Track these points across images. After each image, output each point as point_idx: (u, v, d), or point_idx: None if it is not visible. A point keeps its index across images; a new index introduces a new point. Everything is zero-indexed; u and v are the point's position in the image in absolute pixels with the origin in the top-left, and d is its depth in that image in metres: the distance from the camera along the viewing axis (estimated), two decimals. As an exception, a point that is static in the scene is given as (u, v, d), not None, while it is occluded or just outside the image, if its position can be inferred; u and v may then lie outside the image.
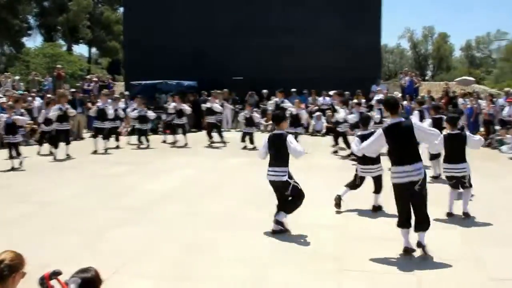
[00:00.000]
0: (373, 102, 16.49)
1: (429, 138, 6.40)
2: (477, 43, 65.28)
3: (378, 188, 8.23)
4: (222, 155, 13.89)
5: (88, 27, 49.35)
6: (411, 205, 5.97)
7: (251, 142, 15.19)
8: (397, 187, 5.96)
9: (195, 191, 9.64)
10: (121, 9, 39.07)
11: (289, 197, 7.13)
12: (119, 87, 27.37)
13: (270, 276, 5.61)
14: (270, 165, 7.24)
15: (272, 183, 7.23)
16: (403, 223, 5.99)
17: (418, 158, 5.97)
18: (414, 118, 11.66)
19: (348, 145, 13.18)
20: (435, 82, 36.23)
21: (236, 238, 6.81)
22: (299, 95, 20.74)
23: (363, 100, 16.86)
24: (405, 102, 18.01)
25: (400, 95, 19.50)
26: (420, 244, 5.95)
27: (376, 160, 8.11)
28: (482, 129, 16.76)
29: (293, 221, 7.36)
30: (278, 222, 6.98)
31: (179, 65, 22.45)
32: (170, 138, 16.37)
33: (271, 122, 16.53)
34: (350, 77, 20.96)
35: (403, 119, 6.16)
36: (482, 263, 5.84)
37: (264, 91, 19.84)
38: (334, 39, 23.21)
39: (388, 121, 6.24)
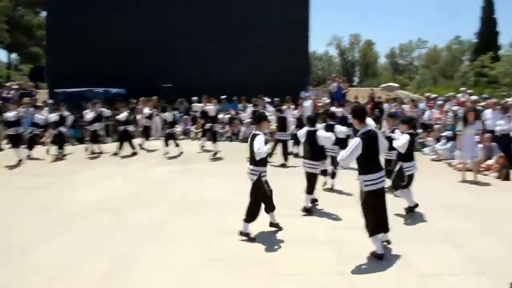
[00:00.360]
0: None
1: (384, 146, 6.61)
2: (400, 51, 68.24)
3: (310, 189, 8.40)
4: (150, 164, 13.50)
5: (7, 31, 46.72)
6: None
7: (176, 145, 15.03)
8: (371, 194, 6.08)
9: (122, 201, 9.31)
10: (44, 13, 37.42)
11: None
12: (43, 95, 26.06)
13: (202, 284, 5.54)
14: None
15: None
16: (377, 228, 6.16)
17: (381, 165, 6.34)
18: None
19: (285, 156, 13.33)
20: (362, 88, 37.34)
21: (165, 248, 6.65)
22: (229, 102, 20.63)
23: (292, 106, 16.96)
24: (333, 108, 18.31)
25: (328, 100, 19.83)
26: (389, 242, 6.42)
27: (320, 157, 8.46)
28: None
29: (223, 227, 7.38)
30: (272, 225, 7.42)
31: (106, 72, 21.76)
32: (96, 147, 15.68)
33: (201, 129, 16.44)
34: (279, 83, 21.14)
35: (370, 128, 6.35)
36: (410, 260, 6.10)
37: (194, 98, 19.50)
38: (263, 46, 23.33)
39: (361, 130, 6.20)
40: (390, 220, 7.60)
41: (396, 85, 26.89)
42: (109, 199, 9.51)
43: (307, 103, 18.08)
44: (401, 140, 8.07)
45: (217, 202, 9.04)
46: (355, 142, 5.99)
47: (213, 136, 14.77)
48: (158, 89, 21.22)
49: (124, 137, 15.04)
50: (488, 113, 13.94)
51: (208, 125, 14.95)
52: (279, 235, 7.14)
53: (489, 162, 11.64)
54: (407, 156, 8.20)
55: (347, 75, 61.71)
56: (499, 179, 11.22)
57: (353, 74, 68.07)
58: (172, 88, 21.62)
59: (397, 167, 8.29)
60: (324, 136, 8.42)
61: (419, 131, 15.73)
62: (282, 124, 13.59)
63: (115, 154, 14.90)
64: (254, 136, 7.04)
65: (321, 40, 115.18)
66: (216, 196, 9.55)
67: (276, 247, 6.63)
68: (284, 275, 5.74)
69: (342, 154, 6.15)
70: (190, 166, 13.07)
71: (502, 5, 61.89)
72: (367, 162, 6.08)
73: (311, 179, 8.39)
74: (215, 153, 14.50)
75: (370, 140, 6.00)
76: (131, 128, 15.30)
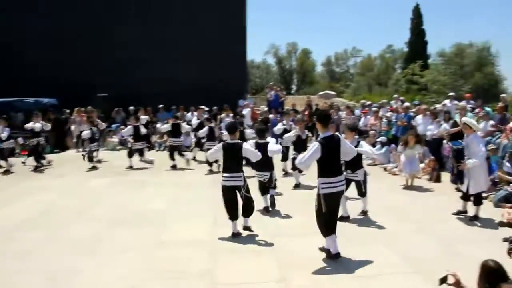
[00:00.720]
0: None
1: (350, 152, 6.68)
2: (336, 59, 69.92)
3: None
4: (87, 176, 13.04)
5: None
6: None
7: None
8: (328, 197, 6.18)
9: (58, 215, 8.94)
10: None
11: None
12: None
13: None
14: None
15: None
16: (333, 229, 6.31)
17: (342, 170, 6.52)
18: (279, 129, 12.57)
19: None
20: (300, 95, 37.91)
21: (104, 262, 6.43)
22: (167, 111, 20.31)
23: (231, 114, 16.96)
24: (271, 115, 18.49)
25: (266, 108, 19.97)
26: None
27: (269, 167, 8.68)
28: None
29: (163, 238, 7.29)
30: (246, 228, 7.53)
31: (37, 81, 20.86)
32: (31, 160, 14.93)
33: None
34: (217, 92, 21.13)
35: (333, 133, 6.73)
36: (347, 262, 6.24)
37: (131, 108, 19.11)
38: (201, 55, 23.25)
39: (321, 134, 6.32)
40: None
41: (333, 92, 27.47)
42: (44, 214, 9.11)
43: (245, 111, 18.14)
44: (366, 147, 8.68)
45: (156, 213, 8.89)
46: (313, 146, 6.12)
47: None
48: (93, 99, 20.54)
49: (35, 150, 14.41)
50: (419, 118, 14.49)
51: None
52: (219, 245, 7.09)
53: (421, 165, 12.03)
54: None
55: (285, 83, 62.51)
56: (431, 181, 11.68)
57: (291, 82, 68.99)
58: (107, 98, 21.04)
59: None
60: (275, 150, 8.70)
61: (356, 137, 16.07)
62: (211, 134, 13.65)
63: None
64: (239, 145, 7.43)
65: (259, 48, 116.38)
66: (156, 206, 9.39)
67: (216, 257, 6.57)
68: (225, 285, 5.70)
69: (300, 158, 6.31)
70: (128, 177, 12.80)
71: (429, 16, 65.14)
72: (326, 166, 6.19)
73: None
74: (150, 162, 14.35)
75: (329, 145, 6.10)
76: (42, 140, 14.63)
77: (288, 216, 8.66)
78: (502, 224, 8.01)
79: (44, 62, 22.05)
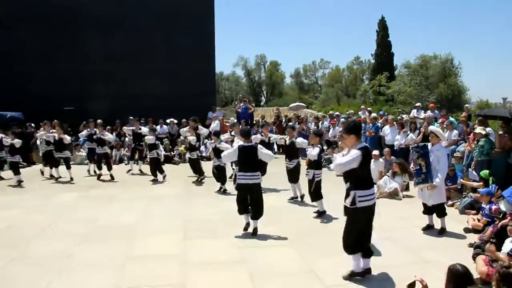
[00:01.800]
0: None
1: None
2: (304, 71, 70.49)
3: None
4: (54, 191, 12.75)
5: None
6: None
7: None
8: (365, 211, 5.95)
9: (24, 231, 8.66)
10: None
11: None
12: None
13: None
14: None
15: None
16: (360, 247, 6.06)
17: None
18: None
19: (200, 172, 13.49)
20: (269, 107, 38.09)
21: (72, 280, 6.26)
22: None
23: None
24: (240, 127, 18.49)
25: (235, 120, 20.01)
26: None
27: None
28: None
29: (133, 252, 7.18)
30: (255, 231, 8.08)
31: (2, 95, 20.40)
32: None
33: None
34: (186, 104, 21.04)
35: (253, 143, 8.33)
36: (317, 272, 6.30)
37: (99, 121, 18.81)
38: (169, 68, 23.19)
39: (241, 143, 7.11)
40: (298, 233, 7.84)
41: (303, 104, 27.68)
42: (9, 230, 8.84)
43: (214, 124, 18.15)
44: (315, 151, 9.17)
45: (126, 227, 8.77)
46: (355, 154, 5.75)
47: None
48: (60, 112, 20.17)
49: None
50: (386, 129, 14.75)
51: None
52: (190, 257, 7.03)
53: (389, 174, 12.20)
54: (318, 164, 9.49)
55: (254, 95, 62.71)
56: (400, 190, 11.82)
57: (260, 94, 69.21)
58: (74, 111, 20.68)
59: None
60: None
61: (324, 147, 16.25)
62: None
63: None
64: (254, 147, 8.22)
65: (228, 60, 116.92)
66: (126, 221, 9.27)
67: (188, 270, 6.51)
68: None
69: (339, 160, 5.93)
70: (97, 191, 12.60)
71: (395, 29, 66.70)
72: (362, 177, 5.92)
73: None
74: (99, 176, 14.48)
75: (365, 156, 5.86)
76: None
77: (258, 227, 8.64)
78: (467, 230, 8.25)
79: (8, 75, 21.61)
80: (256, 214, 8.12)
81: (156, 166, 14.14)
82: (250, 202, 8.18)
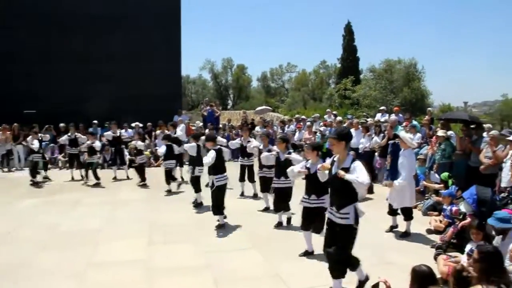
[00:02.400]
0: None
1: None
2: (271, 75, 70.72)
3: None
4: (15, 196, 12.35)
5: None
6: None
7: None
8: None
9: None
10: None
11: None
12: None
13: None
14: None
15: None
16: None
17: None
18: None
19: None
20: (236, 111, 38.06)
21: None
22: (100, 127, 19.76)
23: (166, 131, 16.73)
24: (206, 131, 18.45)
25: (201, 124, 19.91)
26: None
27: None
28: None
29: (96, 259, 7.04)
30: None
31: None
32: None
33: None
34: (152, 108, 20.85)
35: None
36: (282, 276, 6.31)
37: (61, 124, 18.42)
38: (135, 72, 22.90)
39: None
40: (264, 237, 7.82)
41: (269, 108, 27.75)
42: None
43: (180, 127, 17.97)
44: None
45: (89, 233, 8.58)
46: (362, 165, 5.46)
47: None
48: (20, 115, 19.60)
49: None
50: (351, 132, 14.87)
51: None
52: (155, 263, 6.94)
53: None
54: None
55: (221, 98, 62.53)
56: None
57: (227, 98, 69.11)
58: (35, 114, 20.11)
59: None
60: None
61: (291, 151, 16.31)
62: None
63: None
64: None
65: (194, 64, 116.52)
66: (89, 227, 9.07)
67: (152, 276, 6.42)
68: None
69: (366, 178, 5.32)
70: (61, 196, 12.29)
71: (361, 33, 67.57)
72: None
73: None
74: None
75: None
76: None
77: (222, 231, 8.62)
78: (430, 231, 8.41)
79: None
80: (213, 210, 8.72)
81: (169, 175, 12.71)
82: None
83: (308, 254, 7.11)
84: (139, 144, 13.89)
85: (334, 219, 5.48)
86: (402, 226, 8.39)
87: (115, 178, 14.83)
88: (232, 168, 11.46)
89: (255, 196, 11.56)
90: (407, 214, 8.31)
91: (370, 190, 12.03)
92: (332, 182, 5.60)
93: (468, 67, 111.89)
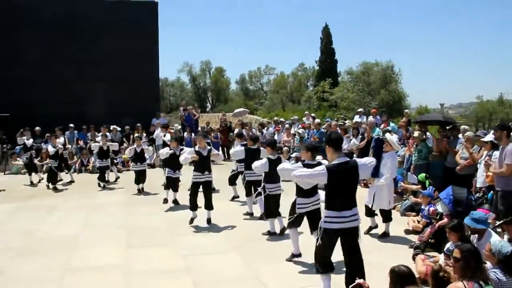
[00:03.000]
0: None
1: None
2: (250, 77, 70.74)
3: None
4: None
5: None
6: None
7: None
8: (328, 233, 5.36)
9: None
10: None
11: None
12: None
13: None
14: None
15: None
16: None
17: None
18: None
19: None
20: (215, 113, 37.98)
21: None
22: (77, 130, 19.49)
23: (144, 134, 16.64)
24: (185, 134, 18.43)
25: (180, 127, 19.81)
26: None
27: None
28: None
29: (73, 264, 6.95)
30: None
31: None
32: None
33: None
34: (129, 111, 20.65)
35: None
36: (262, 279, 6.29)
37: (37, 128, 18.11)
38: (112, 73, 22.63)
39: None
40: (243, 239, 7.80)
41: (246, 110, 27.73)
42: None
43: (158, 130, 17.89)
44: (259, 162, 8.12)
45: (66, 239, 8.43)
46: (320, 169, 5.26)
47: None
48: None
49: None
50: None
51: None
52: (133, 267, 6.86)
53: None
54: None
55: (199, 101, 62.34)
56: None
57: (206, 100, 68.89)
58: (9, 118, 19.66)
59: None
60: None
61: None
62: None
63: None
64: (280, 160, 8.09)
65: (172, 66, 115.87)
66: (65, 232, 8.92)
67: (131, 281, 6.34)
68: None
69: (302, 171, 5.55)
70: (36, 201, 12.08)
71: (338, 36, 67.90)
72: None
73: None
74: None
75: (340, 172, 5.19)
76: None
77: (201, 234, 8.57)
78: (408, 231, 8.49)
79: None
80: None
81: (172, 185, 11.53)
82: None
83: (295, 256, 7.00)
84: (94, 145, 14.29)
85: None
86: (381, 227, 8.43)
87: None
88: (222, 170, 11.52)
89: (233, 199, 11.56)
90: (386, 216, 8.31)
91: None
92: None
93: (444, 69, 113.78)
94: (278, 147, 16.10)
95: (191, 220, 9.15)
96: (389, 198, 8.33)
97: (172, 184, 11.21)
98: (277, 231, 8.33)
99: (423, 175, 9.85)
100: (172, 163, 11.07)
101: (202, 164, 9.09)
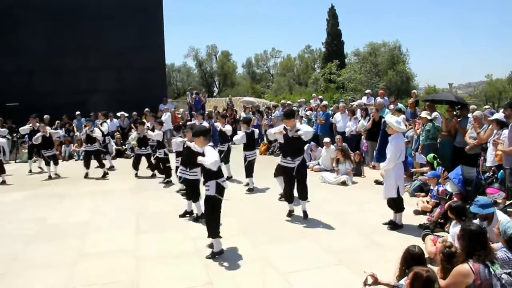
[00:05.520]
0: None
1: None
2: (256, 60, 70.42)
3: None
4: (0, 190, 12.21)
5: None
6: None
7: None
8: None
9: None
10: None
11: None
12: None
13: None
14: None
15: None
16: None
17: None
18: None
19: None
20: (222, 98, 37.95)
21: (19, 283, 5.97)
22: (85, 117, 19.53)
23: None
24: (194, 119, 18.41)
25: (187, 112, 19.83)
26: None
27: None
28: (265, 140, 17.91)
29: (85, 251, 6.98)
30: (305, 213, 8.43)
31: None
32: None
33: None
34: (137, 97, 20.74)
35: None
36: (271, 260, 6.33)
37: (46, 116, 18.21)
38: (119, 60, 22.69)
39: None
40: (247, 223, 7.82)
41: (254, 99, 27.45)
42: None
43: (166, 116, 17.94)
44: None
45: (77, 225, 8.51)
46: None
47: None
48: (3, 108, 19.28)
49: None
50: (338, 116, 14.92)
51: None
52: (143, 252, 6.92)
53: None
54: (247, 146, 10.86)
55: (206, 85, 62.24)
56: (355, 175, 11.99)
57: (212, 85, 68.79)
58: (18, 107, 19.81)
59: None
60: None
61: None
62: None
63: None
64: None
65: (178, 52, 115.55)
66: (76, 219, 8.99)
67: (142, 265, 6.40)
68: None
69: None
70: (46, 190, 12.16)
71: (345, 17, 67.24)
72: None
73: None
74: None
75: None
76: None
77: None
78: (417, 212, 8.48)
79: None
80: (301, 195, 8.79)
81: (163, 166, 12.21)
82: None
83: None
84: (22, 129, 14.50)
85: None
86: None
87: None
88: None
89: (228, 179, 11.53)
90: (395, 206, 7.66)
91: (359, 173, 12.11)
92: None
93: (452, 49, 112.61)
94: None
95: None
96: (397, 184, 7.49)
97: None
98: (251, 186, 10.78)
99: (431, 155, 9.82)
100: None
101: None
